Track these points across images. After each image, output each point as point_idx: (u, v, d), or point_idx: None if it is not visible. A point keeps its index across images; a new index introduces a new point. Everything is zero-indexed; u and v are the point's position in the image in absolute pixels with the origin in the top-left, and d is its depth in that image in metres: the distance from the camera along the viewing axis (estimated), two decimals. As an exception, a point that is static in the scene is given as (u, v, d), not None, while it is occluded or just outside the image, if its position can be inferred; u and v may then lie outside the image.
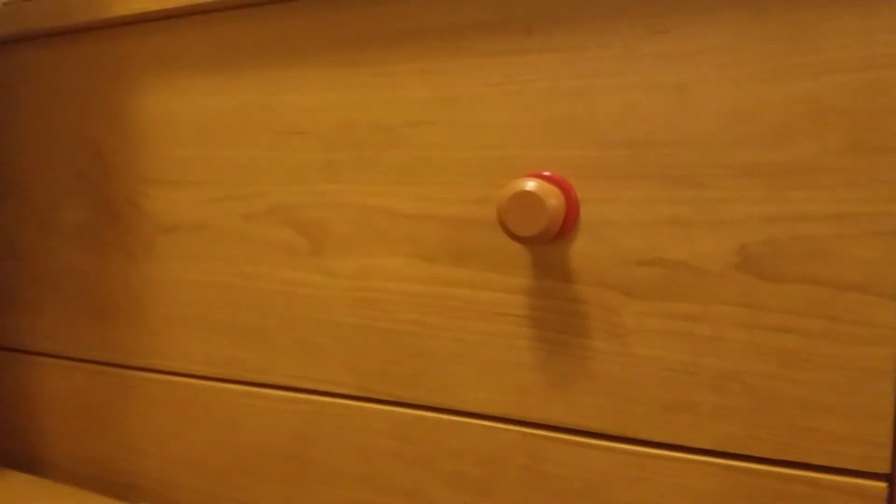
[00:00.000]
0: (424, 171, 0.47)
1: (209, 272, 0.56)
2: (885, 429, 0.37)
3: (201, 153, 0.55)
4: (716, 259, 0.39)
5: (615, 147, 0.41)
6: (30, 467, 0.71)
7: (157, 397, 0.61)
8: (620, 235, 0.42)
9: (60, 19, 0.57)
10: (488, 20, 0.44)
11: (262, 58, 0.52)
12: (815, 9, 0.36)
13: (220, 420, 0.58)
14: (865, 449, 0.38)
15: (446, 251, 0.47)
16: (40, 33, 0.60)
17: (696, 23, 0.39)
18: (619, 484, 0.43)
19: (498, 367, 0.46)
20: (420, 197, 0.47)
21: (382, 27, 0.47)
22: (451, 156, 0.46)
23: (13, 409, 0.70)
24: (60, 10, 0.57)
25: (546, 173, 0.43)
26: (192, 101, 0.55)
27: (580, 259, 0.43)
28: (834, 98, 0.36)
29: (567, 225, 0.42)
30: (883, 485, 0.37)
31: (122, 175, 0.59)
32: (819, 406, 0.38)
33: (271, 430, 0.56)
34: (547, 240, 0.40)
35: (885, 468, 0.37)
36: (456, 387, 0.48)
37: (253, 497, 0.57)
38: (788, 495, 0.39)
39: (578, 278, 0.43)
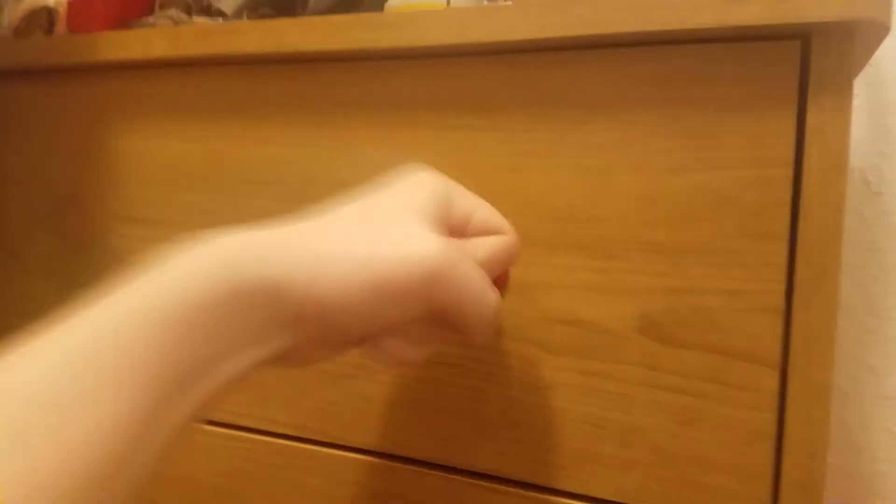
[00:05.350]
0: (374, 227, 0.51)
1: (165, 309, 0.59)
2: (766, 488, 0.41)
3: (168, 194, 0.59)
4: (622, 323, 0.44)
5: (542, 219, 0.46)
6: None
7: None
8: (544, 297, 0.46)
9: (50, 58, 0.61)
10: (439, 97, 0.49)
11: (234, 111, 0.56)
12: (716, 112, 0.42)
13: (162, 453, 0.59)
14: (748, 504, 0.42)
15: (389, 302, 0.51)
16: (29, 70, 0.64)
17: (614, 117, 0.44)
18: (531, 528, 0.47)
19: (429, 412, 0.50)
20: (368, 251, 0.51)
21: (346, 97, 0.52)
22: (399, 215, 0.50)
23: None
24: (50, 50, 0.61)
25: (482, 237, 0.47)
26: (166, 144, 0.59)
27: (509, 316, 0.47)
28: (728, 189, 0.42)
29: (499, 285, 0.46)
30: (762, 538, 0.42)
31: (93, 210, 0.62)
32: (710, 464, 0.42)
33: (206, 466, 0.57)
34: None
35: (765, 524, 0.41)
36: (389, 430, 0.51)
37: (186, 530, 0.59)
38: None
39: (506, 334, 0.47)
